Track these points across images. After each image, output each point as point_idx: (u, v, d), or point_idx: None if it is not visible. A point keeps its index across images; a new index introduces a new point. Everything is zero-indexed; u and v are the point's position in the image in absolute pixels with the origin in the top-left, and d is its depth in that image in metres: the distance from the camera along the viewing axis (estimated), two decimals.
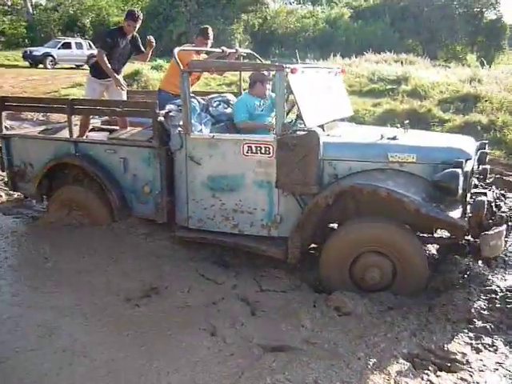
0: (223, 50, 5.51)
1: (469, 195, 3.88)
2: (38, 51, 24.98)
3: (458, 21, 33.86)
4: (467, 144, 4.32)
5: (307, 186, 4.00)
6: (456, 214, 3.66)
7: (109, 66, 5.51)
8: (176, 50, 4.73)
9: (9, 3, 36.42)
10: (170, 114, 4.67)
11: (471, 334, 3.39)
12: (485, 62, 19.22)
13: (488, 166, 4.63)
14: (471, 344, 3.30)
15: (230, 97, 5.50)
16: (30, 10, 35.54)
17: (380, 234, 3.90)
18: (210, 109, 5.06)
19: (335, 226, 4.50)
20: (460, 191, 3.63)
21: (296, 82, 4.17)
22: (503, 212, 3.98)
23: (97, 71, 5.72)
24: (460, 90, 12.79)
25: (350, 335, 3.42)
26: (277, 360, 3.12)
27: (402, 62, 18.27)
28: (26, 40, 32.98)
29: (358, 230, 3.97)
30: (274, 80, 4.24)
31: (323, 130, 4.30)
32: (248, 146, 4.22)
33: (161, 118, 4.58)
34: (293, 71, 4.08)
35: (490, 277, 4.06)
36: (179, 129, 4.51)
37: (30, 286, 4.07)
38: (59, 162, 5.07)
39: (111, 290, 3.99)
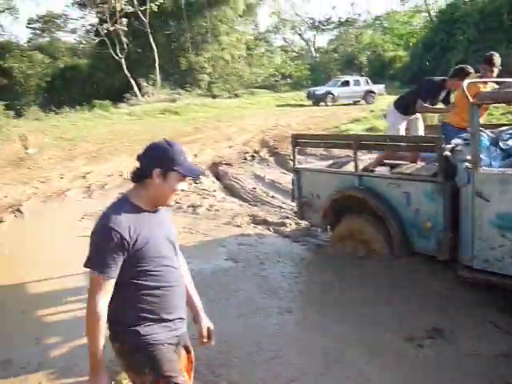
0: None
1: None
2: (320, 90, 27.12)
3: None
4: None
5: None
6: None
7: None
8: (465, 83, 4.60)
9: (296, 49, 40.70)
10: (457, 148, 4.51)
11: None
12: None
13: None
14: None
15: None
16: (313, 54, 38.99)
17: None
18: (500, 143, 4.70)
19: None
20: None
21: None
22: None
23: (401, 108, 6.10)
24: None
25: None
26: None
27: None
28: (310, 81, 36.12)
29: None
30: None
31: None
32: None
33: (447, 153, 4.48)
34: None
35: None
36: (466, 163, 4.31)
37: (317, 312, 4.36)
38: (344, 195, 5.33)
39: (394, 325, 3.99)
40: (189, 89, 31.09)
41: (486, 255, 4.21)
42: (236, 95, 32.18)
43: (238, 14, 34.85)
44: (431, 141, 4.83)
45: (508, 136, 4.82)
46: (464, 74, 5.46)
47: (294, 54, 40.72)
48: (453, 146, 4.56)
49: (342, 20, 41.69)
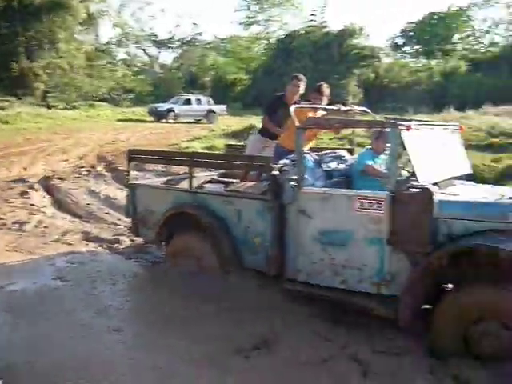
0: (339, 108, 5.53)
1: None
2: (162, 107, 27.07)
3: None
4: None
5: (421, 245, 3.88)
6: None
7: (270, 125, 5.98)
8: (292, 108, 4.91)
9: (139, 64, 40.17)
10: (285, 168, 4.78)
11: None
12: None
13: None
14: None
15: (343, 153, 5.53)
16: (157, 70, 38.85)
17: (499, 302, 3.62)
18: (323, 165, 5.13)
19: (449, 287, 4.26)
20: None
21: (410, 139, 4.12)
22: None
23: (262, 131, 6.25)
24: None
25: None
26: None
27: None
28: (152, 97, 35.83)
29: (474, 296, 3.73)
30: (388, 137, 4.24)
31: (438, 188, 4.20)
32: (360, 202, 4.19)
33: (275, 172, 4.72)
34: (407, 129, 4.05)
35: None
36: (292, 183, 4.60)
37: (148, 330, 4.29)
38: (177, 211, 5.34)
39: (223, 339, 4.07)
40: (21, 97, 28.81)
41: (308, 269, 4.52)
42: (74, 107, 30.62)
43: (78, 22, 33.37)
44: (261, 160, 5.07)
45: (330, 159, 5.27)
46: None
47: (137, 68, 40.15)
48: (281, 165, 4.81)
49: (186, 39, 42.25)
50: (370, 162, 4.77)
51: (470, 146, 14.15)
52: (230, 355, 3.86)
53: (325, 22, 36.21)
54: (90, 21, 35.25)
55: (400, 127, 4.07)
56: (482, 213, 3.87)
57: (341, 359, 3.80)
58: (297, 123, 4.62)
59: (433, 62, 36.96)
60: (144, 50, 42.67)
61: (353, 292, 4.31)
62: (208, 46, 43.25)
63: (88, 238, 7.14)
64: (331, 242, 4.38)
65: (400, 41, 46.03)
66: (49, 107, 28.71)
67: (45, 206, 9.07)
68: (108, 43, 40.97)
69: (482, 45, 44.46)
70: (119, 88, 36.16)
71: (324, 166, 5.11)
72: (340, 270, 4.35)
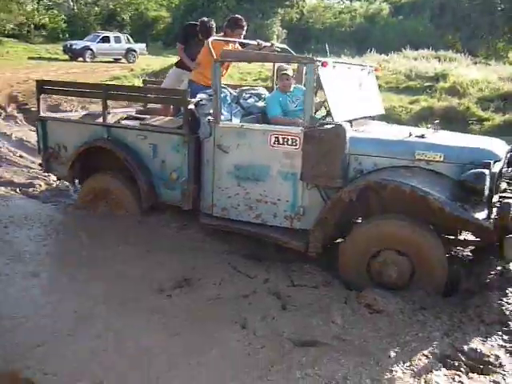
0: (258, 43, 5.50)
1: (496, 197, 3.82)
2: (78, 45, 25.48)
3: (500, 16, 32.91)
4: (497, 146, 4.26)
5: (331, 180, 4.03)
6: (481, 215, 3.59)
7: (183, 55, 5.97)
8: (210, 40, 4.79)
9: None
10: (201, 102, 4.76)
11: (505, 337, 3.31)
12: None
13: None
14: (505, 346, 3.23)
15: (262, 90, 5.55)
16: (71, 5, 36.28)
17: (399, 232, 3.87)
18: (241, 101, 5.13)
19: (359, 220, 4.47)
20: (486, 192, 3.59)
21: (326, 76, 4.18)
22: None
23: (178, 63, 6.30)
24: (500, 88, 12.47)
25: (381, 333, 3.39)
26: (307, 355, 3.13)
27: (440, 59, 17.93)
28: (67, 34, 33.62)
29: (376, 227, 3.96)
30: (305, 73, 4.27)
31: (351, 126, 4.32)
32: (275, 137, 4.28)
33: (191, 106, 4.66)
34: (323, 65, 4.11)
35: None
36: (209, 117, 4.58)
37: (67, 274, 4.18)
38: (92, 146, 5.19)
39: (145, 280, 4.06)
40: None
41: (224, 203, 4.61)
42: None
43: None
44: (177, 94, 5.01)
45: (248, 95, 5.28)
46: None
47: (49, 2, 37.28)
48: (198, 100, 4.77)
49: None
50: (277, 111, 4.76)
51: (389, 89, 14.65)
52: (152, 295, 3.87)
53: None
54: None
55: (316, 63, 4.10)
56: (391, 150, 4.06)
57: (261, 294, 3.91)
58: (215, 56, 4.53)
59: (356, 4, 37.09)
60: None
61: (267, 226, 4.44)
62: None
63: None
64: (247, 176, 4.46)
65: None
66: None
67: None
68: None
69: None
70: (29, 23, 33.54)
71: (242, 102, 5.10)
72: (255, 204, 4.47)
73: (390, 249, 3.89)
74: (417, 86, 14.44)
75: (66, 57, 25.41)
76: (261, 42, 5.56)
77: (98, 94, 5.35)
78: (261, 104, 5.20)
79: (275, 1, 32.09)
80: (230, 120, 4.68)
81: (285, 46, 6.12)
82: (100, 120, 5.30)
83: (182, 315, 3.60)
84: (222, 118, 4.56)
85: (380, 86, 15.20)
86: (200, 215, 4.76)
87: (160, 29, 36.52)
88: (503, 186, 4.20)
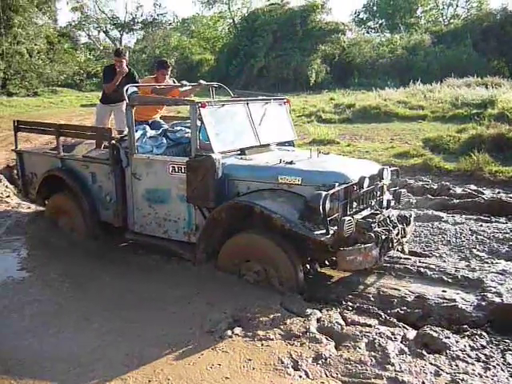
0: (182, 84, 6.29)
1: (340, 214, 4.36)
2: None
3: None
4: (355, 169, 4.73)
5: (206, 201, 4.74)
6: (320, 230, 4.16)
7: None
8: (128, 86, 5.55)
9: (101, 48, 39.19)
10: (125, 138, 5.49)
11: None
12: None
13: (403, 190, 5.44)
14: None
15: None
16: None
17: (251, 245, 4.58)
18: (169, 134, 5.76)
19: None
20: (323, 211, 4.09)
21: (207, 115, 4.83)
22: (376, 232, 4.41)
23: (102, 99, 7.16)
24: None
25: (441, 375, 3.25)
26: None
27: (487, 86, 17.59)
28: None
29: (234, 241, 4.68)
30: (189, 113, 4.88)
31: (245, 154, 5.04)
32: (172, 166, 5.05)
33: (113, 142, 5.46)
34: (202, 106, 4.77)
35: None
36: (127, 150, 5.35)
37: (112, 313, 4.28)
38: (50, 174, 6.17)
39: (195, 320, 4.07)
40: None
41: (141, 221, 5.45)
42: (36, 93, 29.72)
43: (34, 5, 32.18)
44: (104, 131, 5.93)
45: (178, 128, 5.96)
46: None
47: (100, 52, 39.18)
48: (121, 135, 5.67)
49: (149, 20, 41.23)
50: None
51: (435, 118, 14.43)
52: (201, 336, 3.87)
53: None
54: (47, 3, 34.06)
55: (197, 105, 4.76)
56: (259, 175, 4.74)
57: (313, 334, 3.82)
58: (127, 100, 5.29)
59: (397, 36, 37.05)
60: (106, 32, 41.61)
61: (173, 240, 5.20)
62: (171, 27, 42.39)
63: None
64: (155, 199, 5.27)
65: (364, 16, 46.06)
66: (9, 95, 27.85)
67: (8, 196, 8.84)
68: (68, 27, 39.76)
69: (445, 17, 44.83)
70: (82, 73, 35.27)
71: (169, 135, 5.75)
72: (162, 222, 5.26)
73: (249, 257, 4.60)
74: (464, 114, 14.17)
75: None
76: (185, 82, 6.38)
77: (53, 131, 6.26)
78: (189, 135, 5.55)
79: (315, 38, 32.45)
80: (152, 151, 5.36)
81: (220, 84, 6.80)
82: (79, 151, 6.34)
83: (232, 359, 3.56)
84: (141, 150, 5.31)
85: (426, 116, 15.06)
86: (126, 232, 5.55)
87: (204, 71, 37.59)
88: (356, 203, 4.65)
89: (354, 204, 4.63)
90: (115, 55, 6.88)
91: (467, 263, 5.15)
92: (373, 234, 4.40)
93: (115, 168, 5.45)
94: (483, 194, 7.86)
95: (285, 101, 6.05)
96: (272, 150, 5.45)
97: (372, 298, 4.51)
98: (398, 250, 5.12)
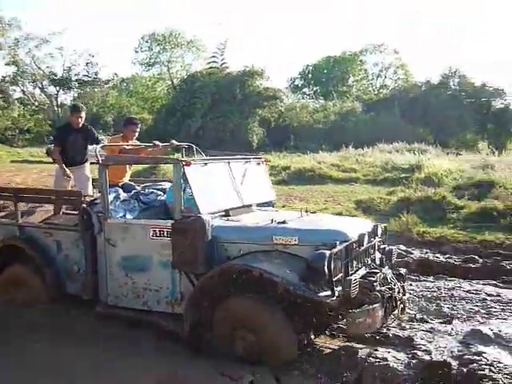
0: (155, 144, 6.10)
1: (343, 274, 4.06)
2: None
3: (467, 110, 34.84)
4: (352, 226, 4.57)
5: (194, 266, 4.32)
6: (325, 292, 3.87)
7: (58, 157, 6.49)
8: (99, 146, 5.31)
9: (35, 103, 38.52)
10: (95, 201, 5.14)
11: None
12: (495, 149, 19.52)
13: (393, 248, 5.21)
14: None
15: (167, 184, 5.69)
16: (56, 109, 37.45)
17: (244, 312, 4.13)
18: (141, 196, 5.35)
19: None
20: (327, 271, 3.82)
21: (191, 174, 4.52)
22: (380, 291, 4.20)
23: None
24: (473, 176, 12.90)
25: None
26: None
27: (414, 151, 18.65)
28: (51, 137, 34.28)
29: (226, 308, 4.21)
30: (173, 172, 4.59)
31: (229, 215, 4.73)
32: (153, 230, 4.61)
33: (84, 205, 5.02)
34: (187, 164, 4.49)
35: None
36: (99, 215, 4.89)
37: None
38: (5, 244, 5.49)
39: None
40: None
41: (116, 292, 4.88)
42: None
43: None
44: (73, 195, 5.44)
45: (150, 191, 5.55)
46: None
47: (35, 107, 38.46)
48: (92, 199, 5.28)
49: (84, 80, 41.01)
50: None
51: (367, 181, 15.04)
52: None
53: (225, 63, 37.02)
54: None
55: (181, 163, 4.49)
56: (251, 236, 4.40)
57: None
58: (100, 160, 4.88)
59: (330, 103, 38.92)
60: (42, 88, 41.02)
61: (153, 312, 4.68)
62: (109, 85, 42.49)
63: None
64: (133, 267, 4.76)
65: (299, 82, 48.21)
66: None
67: None
68: (2, 81, 38.97)
69: (375, 87, 47.76)
70: (14, 128, 34.34)
71: (142, 198, 5.34)
72: (141, 292, 4.74)
73: (240, 325, 4.14)
74: (393, 178, 14.86)
75: (50, 159, 25.71)
76: (157, 142, 6.15)
77: (10, 197, 5.67)
78: (163, 198, 5.34)
79: (253, 102, 33.47)
80: (124, 216, 4.94)
81: (190, 144, 6.44)
82: (37, 218, 5.67)
83: None
84: (113, 214, 4.86)
85: (358, 179, 15.69)
86: (97, 304, 4.95)
87: (142, 130, 37.65)
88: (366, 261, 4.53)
89: (354, 263, 4.38)
90: (73, 111, 6.69)
91: (397, 322, 5.23)
92: (378, 294, 4.17)
93: (85, 234, 4.93)
94: (412, 253, 8.13)
95: (263, 160, 5.83)
96: (254, 211, 5.20)
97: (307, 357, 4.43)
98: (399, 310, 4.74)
